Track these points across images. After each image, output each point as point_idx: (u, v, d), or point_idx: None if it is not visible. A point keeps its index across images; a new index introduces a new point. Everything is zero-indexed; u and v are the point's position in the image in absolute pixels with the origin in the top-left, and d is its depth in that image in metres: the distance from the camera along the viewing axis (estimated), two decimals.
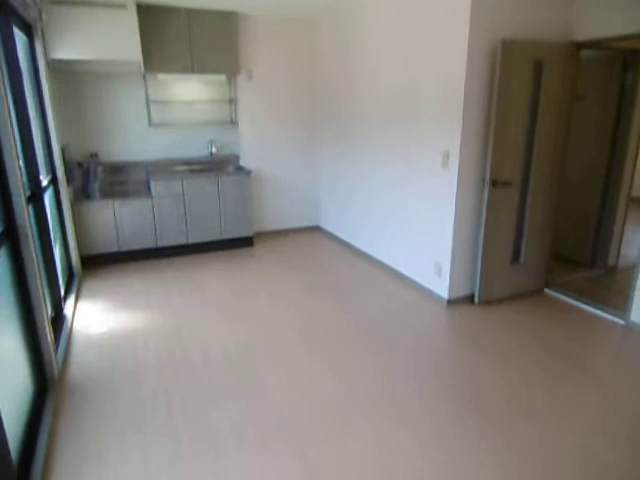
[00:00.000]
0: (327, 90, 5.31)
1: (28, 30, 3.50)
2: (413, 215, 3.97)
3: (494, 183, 3.40)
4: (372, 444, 2.14)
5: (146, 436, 2.21)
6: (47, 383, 2.54)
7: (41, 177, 3.36)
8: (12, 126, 2.28)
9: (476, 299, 3.67)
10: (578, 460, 2.03)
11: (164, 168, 5.07)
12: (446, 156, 3.44)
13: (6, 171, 2.19)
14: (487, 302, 3.70)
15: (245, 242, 5.20)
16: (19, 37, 3.19)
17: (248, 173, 5.00)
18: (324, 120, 5.48)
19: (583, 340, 3.13)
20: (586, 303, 3.61)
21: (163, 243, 4.79)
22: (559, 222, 3.94)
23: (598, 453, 2.08)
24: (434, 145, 3.57)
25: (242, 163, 5.39)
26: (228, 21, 4.80)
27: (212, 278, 4.31)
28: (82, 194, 4.53)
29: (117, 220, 4.53)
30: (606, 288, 4.02)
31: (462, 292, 3.71)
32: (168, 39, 4.58)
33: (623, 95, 3.97)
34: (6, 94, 2.22)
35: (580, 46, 3.45)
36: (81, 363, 2.89)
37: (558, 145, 3.60)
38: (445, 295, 3.67)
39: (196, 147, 5.24)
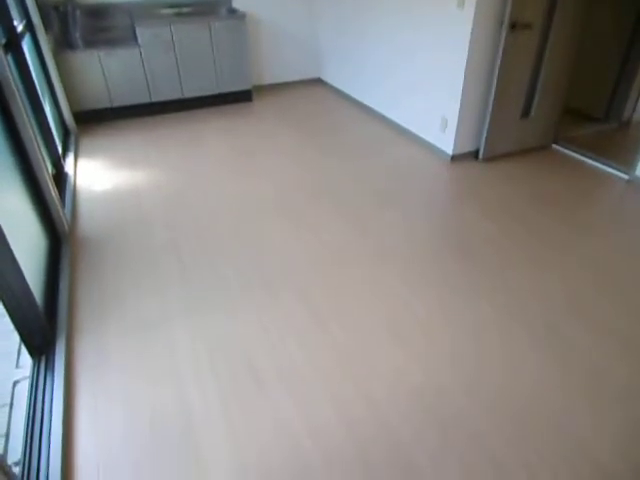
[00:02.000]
0: None
1: None
2: (421, 64, 3.68)
3: (513, 26, 3.07)
4: (370, 289, 2.30)
5: (160, 280, 2.37)
6: (59, 236, 2.65)
7: (15, 22, 3.06)
8: None
9: (480, 155, 3.60)
10: (564, 297, 2.20)
11: (149, 11, 4.56)
12: None
13: None
14: (491, 158, 3.63)
15: (244, 96, 4.93)
16: None
17: (242, 17, 4.52)
18: None
19: (583, 194, 3.15)
20: (593, 158, 3.54)
21: (157, 98, 4.56)
22: (576, 73, 3.66)
23: (582, 294, 2.24)
24: None
25: (235, 5, 4.84)
26: None
27: (211, 134, 4.19)
28: (64, 43, 4.17)
29: (105, 72, 4.24)
30: (616, 144, 3.91)
31: (467, 148, 3.62)
32: None
33: None
34: None
35: None
36: (90, 217, 2.97)
37: None
38: (449, 151, 3.59)
39: None
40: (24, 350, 1.93)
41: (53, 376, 1.76)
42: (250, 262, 2.52)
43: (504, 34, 3.09)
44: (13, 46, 2.90)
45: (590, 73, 4.15)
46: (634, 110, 4.15)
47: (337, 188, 3.27)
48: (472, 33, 3.09)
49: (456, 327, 2.06)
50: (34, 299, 1.83)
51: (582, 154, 3.62)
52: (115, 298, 2.26)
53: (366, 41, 4.39)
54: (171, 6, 4.63)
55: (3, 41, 2.62)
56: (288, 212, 2.99)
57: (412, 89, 3.87)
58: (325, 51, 5.32)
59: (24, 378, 1.97)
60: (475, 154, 3.65)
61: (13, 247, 1.72)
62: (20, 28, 3.18)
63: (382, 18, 4.02)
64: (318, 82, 5.59)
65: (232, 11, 4.74)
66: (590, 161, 3.55)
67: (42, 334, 1.88)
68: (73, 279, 2.39)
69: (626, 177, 3.31)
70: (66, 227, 2.69)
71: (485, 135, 3.49)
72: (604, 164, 3.46)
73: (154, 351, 1.95)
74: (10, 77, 2.16)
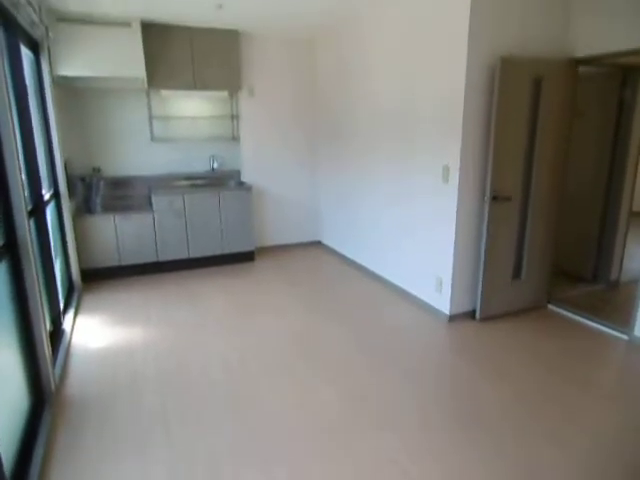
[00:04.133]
0: (327, 107, 5.36)
1: (34, 47, 3.56)
2: (414, 230, 3.97)
3: (494, 198, 3.40)
4: (368, 460, 2.11)
5: (145, 458, 2.16)
6: (44, 397, 2.52)
7: (43, 191, 3.38)
8: (16, 141, 2.30)
9: (477, 315, 3.64)
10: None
11: (166, 183, 5.10)
12: (446, 171, 3.45)
13: (8, 185, 2.21)
14: (488, 318, 3.67)
15: (246, 257, 5.20)
16: (25, 54, 3.24)
17: (249, 188, 5.02)
18: (324, 137, 5.53)
19: (584, 356, 3.09)
20: (588, 318, 3.58)
21: (164, 257, 4.79)
22: (560, 237, 3.93)
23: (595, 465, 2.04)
24: (435, 160, 3.58)
25: (243, 178, 5.42)
26: (230, 39, 4.88)
27: (213, 293, 4.30)
28: (84, 208, 4.55)
29: (118, 234, 4.54)
30: (609, 303, 3.99)
31: (463, 308, 3.68)
32: (171, 56, 4.65)
33: (622, 110, 4.00)
34: (10, 110, 2.25)
35: (579, 62, 3.48)
36: (79, 378, 2.86)
37: (558, 160, 3.62)
38: (446, 311, 3.65)
39: (198, 162, 5.28)
40: None
41: None
42: (242, 431, 2.35)
43: (487, 206, 3.41)
44: (38, 211, 3.16)
45: (574, 237, 4.44)
46: (620, 270, 4.33)
47: (333, 348, 3.23)
48: (458, 204, 3.40)
49: None
50: (4, 476, 1.66)
51: (577, 314, 3.67)
52: (92, 476, 2.05)
53: (363, 209, 4.81)
54: (187, 178, 5.18)
55: (29, 207, 2.86)
56: (284, 373, 2.90)
57: (408, 252, 4.10)
58: (325, 216, 5.78)
59: None
60: (472, 314, 3.69)
61: None
62: (47, 197, 3.50)
63: (378, 187, 4.47)
64: (318, 244, 5.95)
65: (240, 183, 5.28)
66: (586, 321, 3.57)
67: None
68: (49, 449, 2.20)
69: (625, 337, 3.29)
70: (52, 387, 2.57)
71: (480, 296, 3.58)
72: (600, 324, 3.48)
73: None
74: (29, 240, 2.30)
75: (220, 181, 5.33)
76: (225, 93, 5.10)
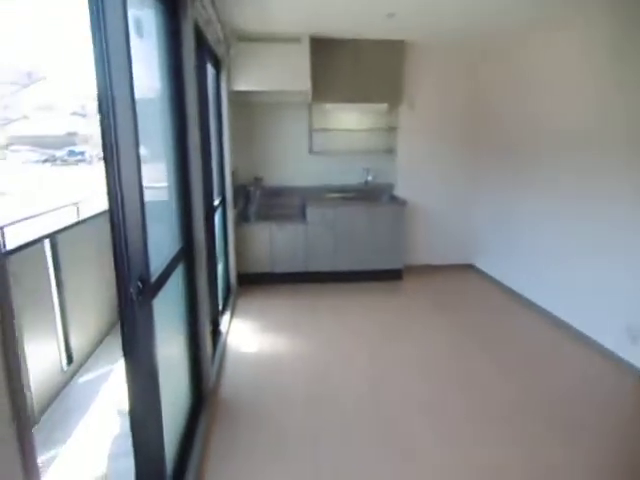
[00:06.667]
0: (493, 121, 4.88)
1: (217, 64, 3.83)
2: (594, 260, 3.33)
3: None
4: None
5: (290, 468, 2.09)
6: (203, 396, 2.59)
7: (213, 198, 3.59)
8: (199, 154, 2.41)
9: None
10: None
11: (319, 194, 5.14)
12: None
13: (191, 192, 2.31)
14: None
15: (394, 275, 4.96)
16: (209, 70, 3.49)
17: (403, 203, 4.80)
18: (489, 153, 5.03)
19: None
20: None
21: (312, 268, 4.81)
22: None
23: None
24: (631, 180, 2.95)
25: (396, 192, 5.22)
26: (395, 50, 4.75)
27: (359, 309, 4.16)
28: (243, 215, 4.80)
29: (272, 242, 4.68)
30: None
31: None
32: (335, 69, 4.68)
33: None
34: (196, 124, 2.37)
35: None
36: (233, 381, 2.93)
37: None
38: None
39: (351, 175, 5.24)
40: None
41: None
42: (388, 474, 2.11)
43: None
44: (208, 217, 3.34)
45: None
46: None
47: (492, 393, 2.81)
48: None
49: None
50: (164, 465, 1.67)
51: None
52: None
53: (531, 231, 4.24)
54: (340, 191, 5.17)
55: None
56: (436, 415, 2.59)
57: (585, 287, 3.46)
58: (481, 238, 5.27)
59: None
60: None
61: (163, 402, 1.65)
62: (216, 203, 3.72)
63: (552, 207, 3.89)
64: (470, 268, 5.45)
65: (393, 198, 5.09)
66: None
67: None
68: (206, 448, 2.23)
69: None
70: (211, 386, 2.64)
71: None
72: None
73: None
74: (203, 245, 2.39)
75: (373, 194, 5.20)
76: (384, 106, 4.98)
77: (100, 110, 1.25)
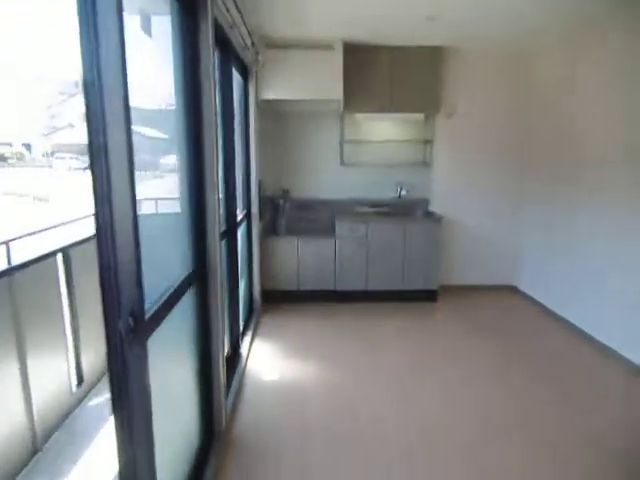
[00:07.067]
0: (542, 132, 4.50)
1: (244, 71, 3.65)
2: None
3: None
4: None
5: None
6: (214, 433, 2.35)
7: (237, 212, 3.39)
8: (217, 167, 2.20)
9: None
10: None
11: (350, 208, 4.87)
12: None
13: (206, 209, 2.10)
14: None
15: (428, 296, 4.62)
16: (235, 78, 3.31)
17: (438, 220, 4.48)
18: (536, 168, 4.63)
19: None
20: None
21: (341, 287, 4.53)
22: None
23: None
24: None
25: (431, 208, 4.90)
26: (432, 57, 4.47)
27: (389, 334, 3.85)
28: (269, 229, 4.59)
29: (299, 257, 4.44)
30: None
31: None
32: (368, 78, 4.43)
33: None
34: (217, 135, 2.16)
35: None
36: (250, 414, 2.68)
37: None
38: None
39: (384, 188, 4.95)
40: None
41: None
42: None
43: None
44: (230, 232, 3.14)
45: None
46: None
47: (537, 428, 2.46)
48: None
49: None
50: None
51: None
52: None
53: (581, 252, 3.83)
54: (371, 205, 4.88)
55: (223, 228, 2.82)
56: (470, 452, 2.25)
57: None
58: (525, 259, 4.87)
59: None
60: None
61: (161, 450, 1.42)
62: (240, 217, 3.51)
63: (607, 227, 3.49)
64: (512, 290, 5.04)
65: (428, 213, 4.77)
66: None
67: None
68: None
69: None
70: (223, 423, 2.40)
71: None
72: None
73: None
74: (218, 267, 2.16)
75: (406, 209, 4.90)
76: (420, 115, 4.69)
77: (87, 110, 1.03)
